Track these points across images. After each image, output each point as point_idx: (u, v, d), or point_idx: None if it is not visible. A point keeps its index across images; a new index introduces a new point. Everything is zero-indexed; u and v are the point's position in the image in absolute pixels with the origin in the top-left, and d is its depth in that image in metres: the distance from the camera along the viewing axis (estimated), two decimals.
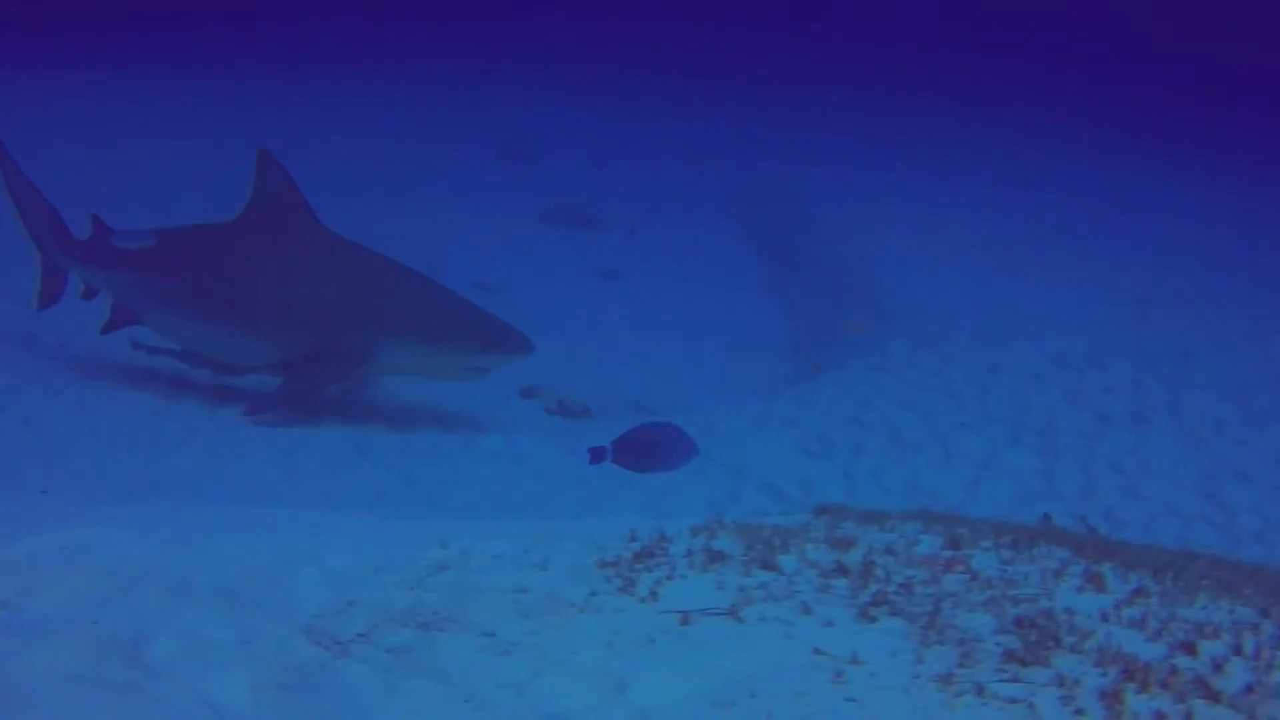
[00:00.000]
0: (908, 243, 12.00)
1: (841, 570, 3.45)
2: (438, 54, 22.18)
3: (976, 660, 2.90)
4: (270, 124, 14.63)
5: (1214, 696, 2.73)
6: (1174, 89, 21.88)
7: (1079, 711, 2.69)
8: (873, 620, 3.14)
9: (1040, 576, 3.51)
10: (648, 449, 5.56)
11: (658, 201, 14.43)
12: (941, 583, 3.39)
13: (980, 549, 3.79)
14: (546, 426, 8.56)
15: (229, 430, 7.87)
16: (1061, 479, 7.19)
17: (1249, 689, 2.76)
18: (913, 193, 14.11)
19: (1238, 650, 3.00)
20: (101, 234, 8.54)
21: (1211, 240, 12.91)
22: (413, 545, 3.92)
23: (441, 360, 8.18)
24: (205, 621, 3.33)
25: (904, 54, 23.83)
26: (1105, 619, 3.17)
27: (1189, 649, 2.98)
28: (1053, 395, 8.24)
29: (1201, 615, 3.27)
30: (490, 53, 22.36)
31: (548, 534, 4.02)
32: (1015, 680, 2.82)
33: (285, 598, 3.47)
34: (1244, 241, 12.89)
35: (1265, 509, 7.00)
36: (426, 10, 24.20)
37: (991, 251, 11.77)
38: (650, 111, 19.57)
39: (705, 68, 22.78)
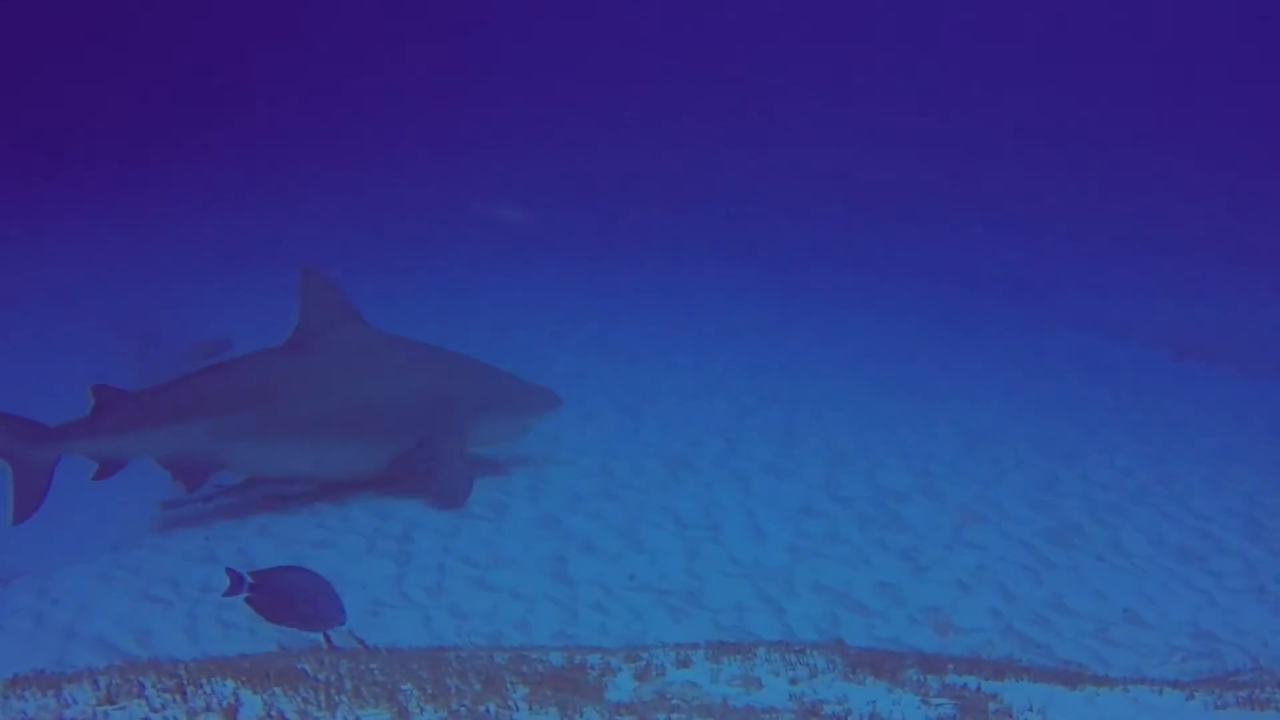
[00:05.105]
0: None
1: None
2: None
3: None
4: None
5: None
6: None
7: None
8: None
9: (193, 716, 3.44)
10: (289, 600, 5.33)
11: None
12: None
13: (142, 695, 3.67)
14: None
15: None
16: (410, 582, 7.30)
17: None
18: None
19: None
20: (116, 401, 7.92)
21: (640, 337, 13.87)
22: None
23: (509, 425, 9.02)
24: None
25: None
26: None
27: None
28: (410, 503, 8.46)
29: None
30: None
31: None
32: None
33: None
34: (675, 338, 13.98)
35: (606, 578, 7.43)
36: None
37: None
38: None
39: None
